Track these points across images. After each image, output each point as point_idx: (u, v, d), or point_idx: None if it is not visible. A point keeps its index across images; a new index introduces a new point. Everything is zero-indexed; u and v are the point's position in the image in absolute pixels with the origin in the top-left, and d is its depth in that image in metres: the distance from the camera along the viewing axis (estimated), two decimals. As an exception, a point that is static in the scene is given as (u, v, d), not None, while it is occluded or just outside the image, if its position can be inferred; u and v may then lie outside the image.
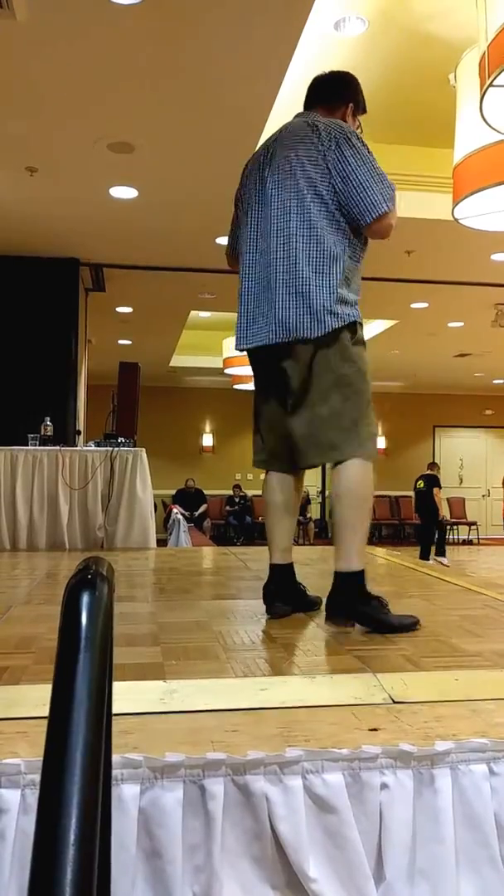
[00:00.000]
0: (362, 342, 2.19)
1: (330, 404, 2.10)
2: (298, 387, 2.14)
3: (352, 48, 4.43)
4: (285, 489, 2.30)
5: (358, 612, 2.07)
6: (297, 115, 2.34)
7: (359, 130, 2.36)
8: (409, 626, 2.07)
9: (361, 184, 2.08)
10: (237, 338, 2.26)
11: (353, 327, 2.13)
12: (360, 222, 2.11)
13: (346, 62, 4.56)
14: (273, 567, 2.30)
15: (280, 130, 2.29)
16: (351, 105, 2.35)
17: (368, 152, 2.14)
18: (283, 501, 2.30)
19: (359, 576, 2.08)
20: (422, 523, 11.16)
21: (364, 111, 2.43)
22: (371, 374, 2.22)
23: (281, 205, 2.15)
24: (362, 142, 2.16)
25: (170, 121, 4.37)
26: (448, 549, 13.31)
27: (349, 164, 2.09)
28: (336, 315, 2.08)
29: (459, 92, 3.67)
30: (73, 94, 4.09)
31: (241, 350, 2.28)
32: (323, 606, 2.29)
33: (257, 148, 2.41)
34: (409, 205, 5.65)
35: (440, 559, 10.34)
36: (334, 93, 2.35)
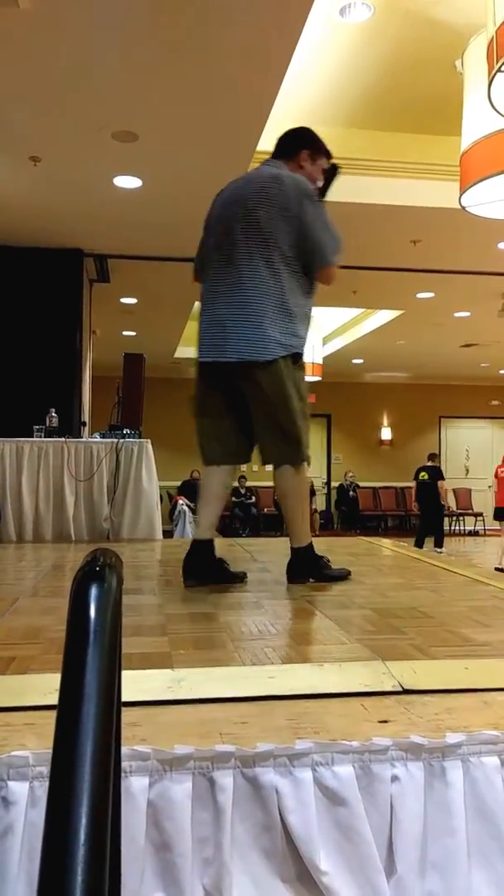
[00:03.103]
0: (302, 368, 2.66)
1: (274, 416, 2.56)
2: (251, 401, 2.60)
3: (357, 34, 4.39)
4: (224, 481, 2.80)
5: (310, 571, 2.73)
6: (265, 163, 2.76)
7: (321, 169, 2.79)
8: (345, 575, 2.78)
9: (316, 238, 2.56)
10: (200, 352, 2.68)
11: (297, 357, 2.59)
12: (312, 268, 2.59)
13: (352, 48, 4.52)
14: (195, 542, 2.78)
15: (249, 175, 2.73)
16: (306, 150, 2.76)
17: (324, 209, 2.63)
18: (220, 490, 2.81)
19: (309, 547, 2.74)
20: (425, 514, 11.17)
21: (328, 156, 2.81)
22: (307, 394, 2.68)
23: (247, 251, 2.54)
24: (318, 200, 2.64)
25: (174, 109, 4.33)
26: (454, 539, 13.33)
27: (308, 221, 2.54)
28: (283, 345, 2.53)
29: (467, 78, 3.63)
30: (77, 83, 4.06)
31: (201, 362, 2.69)
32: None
33: (225, 184, 2.80)
34: (415, 193, 5.62)
35: (440, 551, 10.37)
36: (290, 145, 2.79)
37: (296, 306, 2.55)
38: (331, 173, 2.80)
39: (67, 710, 0.45)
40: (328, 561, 2.80)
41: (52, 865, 0.38)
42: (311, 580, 2.70)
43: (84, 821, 0.39)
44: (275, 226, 2.52)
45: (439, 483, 10.89)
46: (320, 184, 2.78)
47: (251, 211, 2.56)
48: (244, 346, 2.53)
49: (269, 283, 2.51)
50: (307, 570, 2.72)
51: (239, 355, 2.54)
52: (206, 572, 2.70)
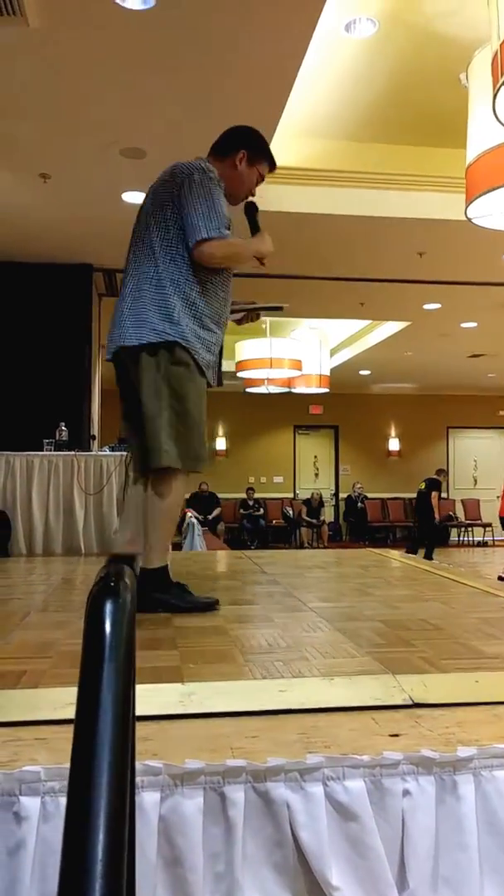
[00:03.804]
0: (183, 363, 2.37)
1: (145, 413, 2.35)
2: (129, 394, 2.43)
3: (362, 50, 4.43)
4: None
5: (157, 599, 2.36)
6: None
7: (256, 179, 2.60)
8: (203, 605, 2.40)
9: (189, 213, 2.35)
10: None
11: (172, 347, 2.35)
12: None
13: (357, 64, 4.55)
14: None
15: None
16: (244, 152, 2.56)
17: (209, 188, 2.38)
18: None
19: (160, 571, 2.41)
20: (421, 524, 11.36)
21: (270, 163, 2.63)
22: (193, 397, 2.39)
23: (134, 239, 2.48)
24: (208, 179, 2.40)
25: (181, 126, 4.37)
26: (462, 550, 13.28)
27: (184, 197, 2.36)
28: (156, 332, 2.34)
29: (471, 91, 3.65)
30: (86, 100, 4.11)
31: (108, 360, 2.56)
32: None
33: None
34: (421, 205, 5.64)
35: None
36: (225, 142, 2.60)
37: (177, 294, 2.35)
38: (249, 211, 2.65)
39: (84, 725, 0.46)
40: (185, 587, 2.48)
41: (70, 880, 0.38)
42: (159, 610, 2.34)
43: (101, 839, 0.39)
44: (161, 214, 2.39)
45: (432, 494, 11.03)
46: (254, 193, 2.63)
47: (144, 205, 2.49)
48: (119, 334, 2.40)
49: (149, 272, 2.37)
50: (156, 597, 2.35)
51: (115, 344, 2.42)
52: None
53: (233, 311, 2.70)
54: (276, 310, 3.04)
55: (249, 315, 2.84)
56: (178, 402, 2.36)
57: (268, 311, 2.96)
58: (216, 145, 2.61)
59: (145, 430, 2.35)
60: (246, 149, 2.56)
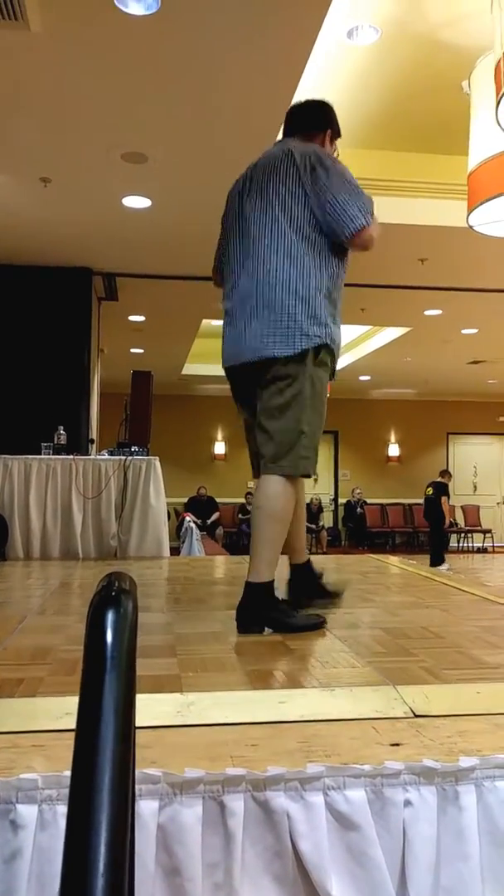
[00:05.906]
0: (325, 364, 2.27)
1: (283, 419, 2.21)
2: (266, 402, 2.25)
3: (365, 57, 4.43)
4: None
5: (266, 618, 2.18)
6: (276, 143, 2.44)
7: (336, 154, 2.47)
8: (313, 625, 2.21)
9: (338, 201, 2.18)
10: (223, 357, 2.39)
11: (320, 349, 2.23)
12: (341, 238, 2.21)
13: (359, 71, 4.56)
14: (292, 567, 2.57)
15: (259, 158, 2.39)
16: (329, 131, 2.47)
17: (343, 170, 2.24)
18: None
19: (268, 586, 2.20)
20: (431, 530, 11.27)
21: (338, 135, 2.53)
22: (325, 397, 2.30)
23: (259, 232, 2.26)
24: (336, 161, 2.27)
25: (183, 130, 4.38)
26: (462, 556, 13.27)
27: (325, 185, 2.19)
28: (307, 336, 2.19)
29: (473, 99, 3.66)
30: (87, 105, 4.11)
31: (226, 368, 2.40)
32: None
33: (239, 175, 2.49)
34: (423, 212, 5.65)
35: (439, 569, 10.40)
36: (312, 121, 2.46)
37: (318, 288, 2.21)
38: None
39: (86, 736, 0.45)
40: (291, 605, 2.34)
41: (72, 893, 0.37)
42: (267, 630, 2.16)
43: (103, 849, 0.38)
44: (292, 202, 2.20)
45: (442, 499, 10.92)
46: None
47: (263, 193, 2.26)
48: (256, 339, 2.22)
49: (284, 266, 2.19)
50: (262, 615, 2.17)
51: (254, 353, 2.23)
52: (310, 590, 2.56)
53: None
54: None
55: None
56: (318, 405, 2.25)
57: None
58: (302, 123, 2.45)
59: (288, 439, 2.19)
60: (330, 127, 2.46)
